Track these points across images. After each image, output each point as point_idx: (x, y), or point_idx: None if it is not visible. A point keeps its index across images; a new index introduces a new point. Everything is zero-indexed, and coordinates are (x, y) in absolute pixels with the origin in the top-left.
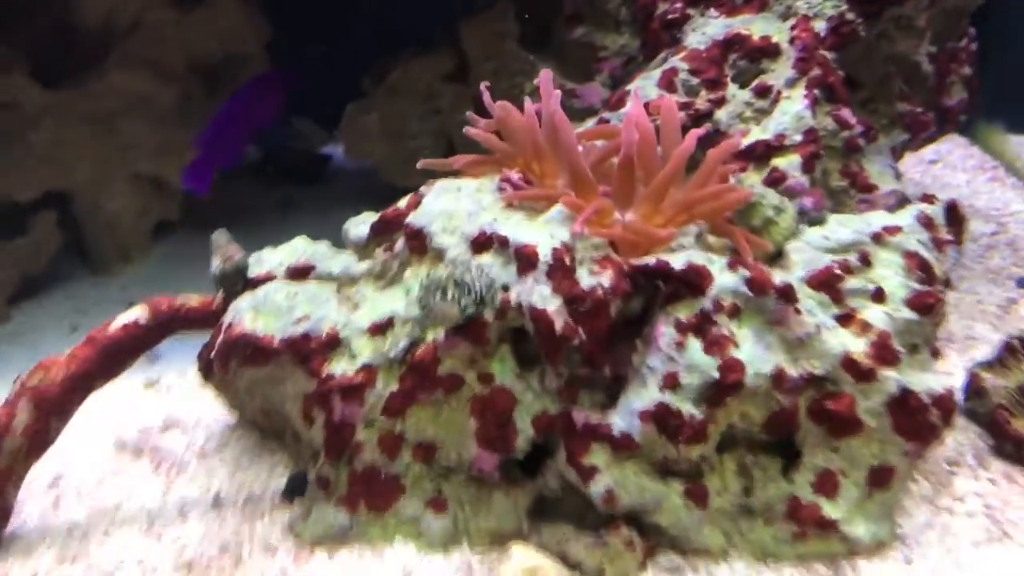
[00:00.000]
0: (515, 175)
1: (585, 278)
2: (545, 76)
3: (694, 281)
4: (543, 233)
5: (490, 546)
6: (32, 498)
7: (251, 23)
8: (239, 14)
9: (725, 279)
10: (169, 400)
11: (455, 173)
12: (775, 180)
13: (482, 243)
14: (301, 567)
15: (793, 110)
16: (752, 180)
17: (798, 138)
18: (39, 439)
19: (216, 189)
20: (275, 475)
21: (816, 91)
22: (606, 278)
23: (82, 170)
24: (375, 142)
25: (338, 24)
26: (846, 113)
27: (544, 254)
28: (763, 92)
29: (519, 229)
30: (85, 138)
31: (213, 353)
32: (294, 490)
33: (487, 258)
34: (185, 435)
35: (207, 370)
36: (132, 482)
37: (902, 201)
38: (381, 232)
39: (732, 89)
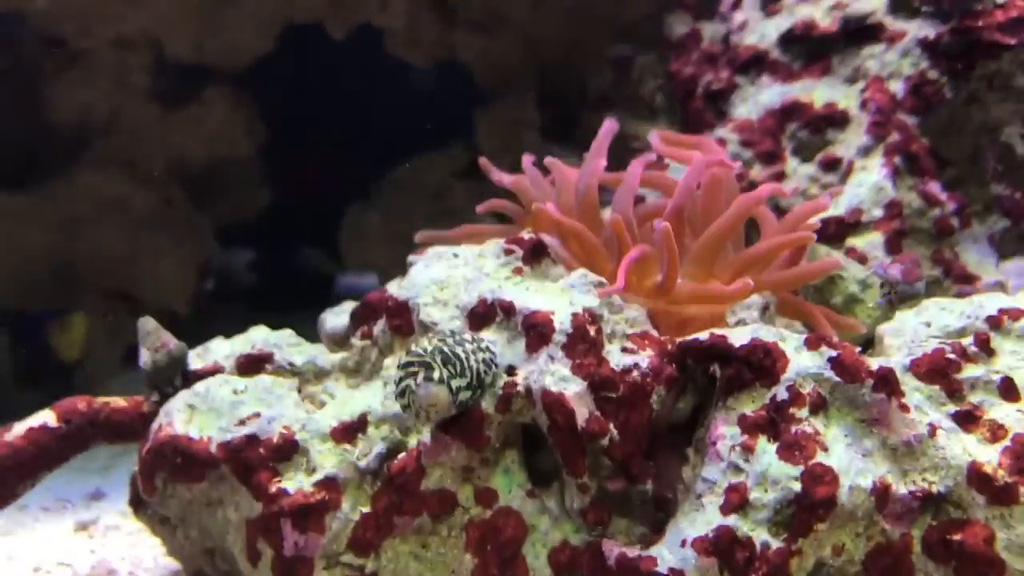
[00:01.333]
0: (528, 234)
1: (616, 355)
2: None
3: (762, 363)
4: (561, 300)
5: None
6: None
7: (242, 122)
8: (230, 112)
9: (803, 360)
10: (104, 543)
11: None
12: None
13: (482, 315)
14: None
15: (870, 181)
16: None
17: (878, 213)
18: None
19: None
20: None
21: (896, 159)
22: (644, 357)
23: (41, 283)
24: (377, 247)
25: (345, 140)
26: (934, 187)
27: (561, 322)
28: (831, 165)
29: (529, 295)
30: (46, 245)
31: (137, 468)
32: None
33: (488, 334)
34: None
35: (136, 501)
36: None
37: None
38: (365, 319)
39: (792, 163)
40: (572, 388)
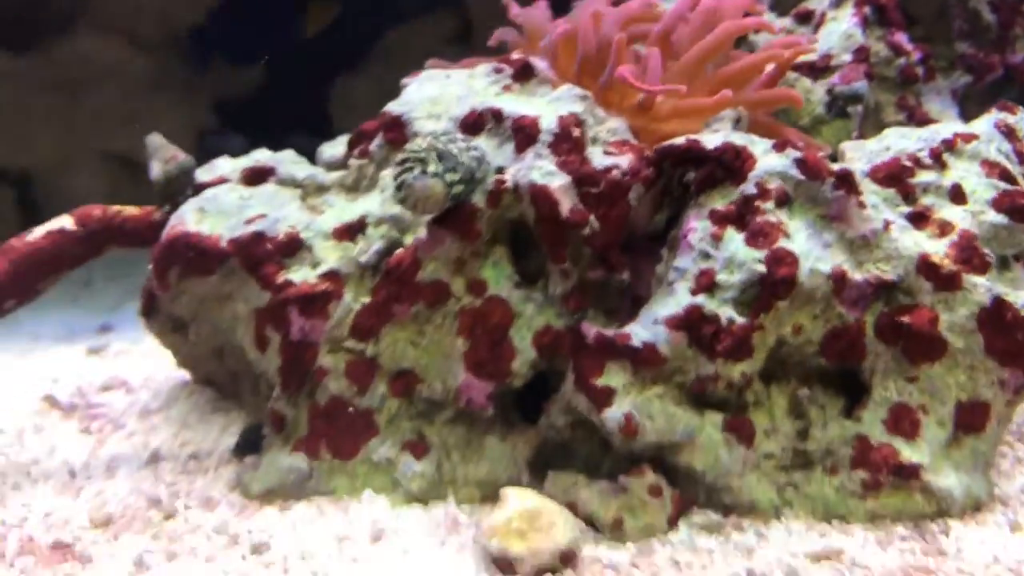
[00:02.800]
0: (516, 55)
1: (598, 157)
2: None
3: (733, 163)
4: (548, 107)
5: (481, 501)
6: None
7: None
8: None
9: (771, 160)
10: (115, 364)
11: None
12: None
13: (473, 123)
14: (245, 521)
15: (840, 29)
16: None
17: (847, 57)
18: None
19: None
20: (227, 435)
21: (866, 9)
22: (624, 159)
23: (44, 145)
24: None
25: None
26: (901, 38)
27: (548, 124)
28: (804, 17)
29: (518, 103)
30: (48, 108)
31: (151, 266)
32: (247, 446)
33: (479, 140)
34: (129, 395)
35: (148, 307)
36: (56, 439)
37: None
38: (358, 143)
39: (768, 17)
40: (557, 181)
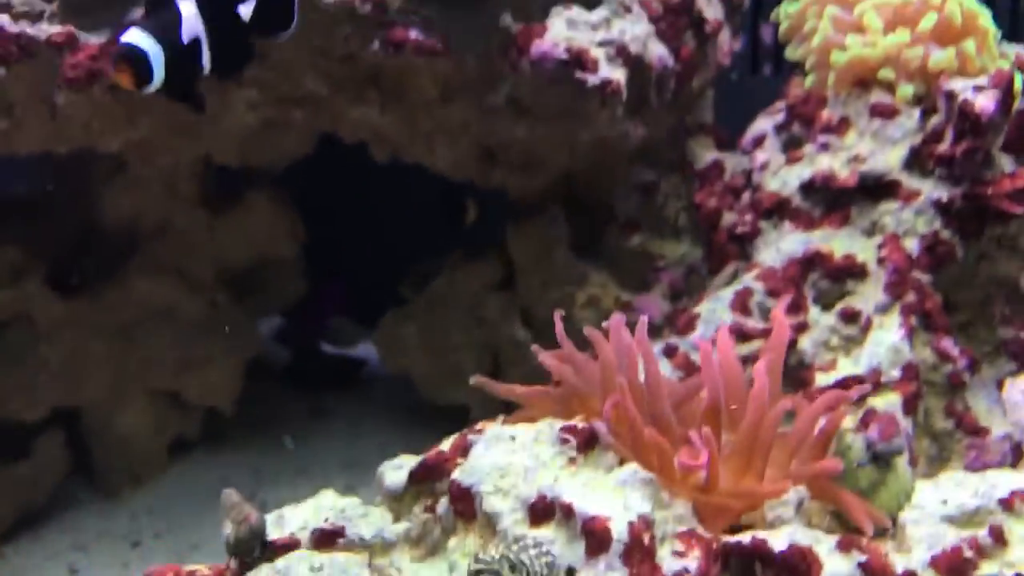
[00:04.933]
0: (580, 423)
1: (668, 560)
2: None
3: (799, 568)
4: (616, 501)
5: None
6: None
7: (284, 223)
8: (272, 214)
9: (836, 565)
10: None
11: (507, 405)
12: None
13: (541, 511)
14: None
15: (888, 341)
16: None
17: (896, 374)
18: None
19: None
20: None
21: (912, 319)
22: (693, 561)
23: (95, 385)
24: (413, 355)
25: (378, 223)
26: (947, 344)
27: (619, 532)
28: (851, 317)
29: (587, 495)
30: (101, 352)
31: None
32: None
33: (547, 532)
34: None
35: None
36: None
37: (1016, 448)
38: (421, 480)
39: (814, 313)
40: None
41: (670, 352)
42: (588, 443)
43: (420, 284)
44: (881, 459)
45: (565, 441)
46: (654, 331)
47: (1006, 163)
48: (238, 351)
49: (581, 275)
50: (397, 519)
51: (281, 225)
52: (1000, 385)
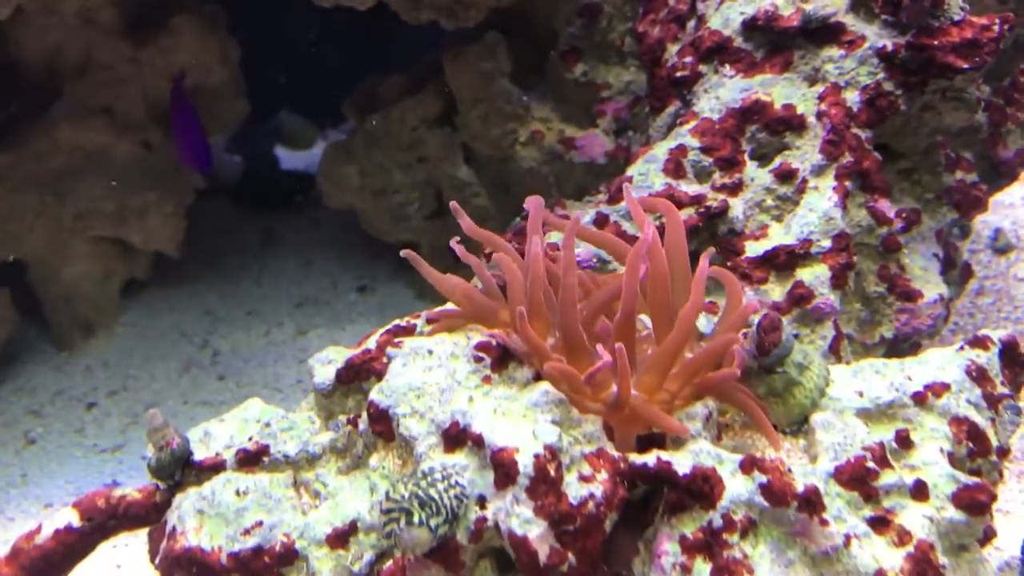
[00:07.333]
0: (495, 340)
1: (574, 487)
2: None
3: (702, 491)
4: (525, 429)
5: None
6: None
7: (215, 47)
8: (200, 39)
9: (737, 488)
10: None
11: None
12: (799, 298)
13: (454, 437)
14: None
15: (821, 208)
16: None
17: (827, 244)
18: None
19: (189, 230)
20: None
21: (848, 183)
22: (599, 486)
23: (36, 237)
24: (356, 195)
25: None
26: (884, 205)
27: (525, 465)
28: (787, 176)
29: (496, 424)
30: (34, 203)
31: (155, 566)
32: None
33: (460, 458)
34: None
35: None
36: None
37: (948, 306)
38: (347, 380)
39: (750, 169)
40: (535, 531)
41: (601, 222)
42: (502, 360)
43: (363, 106)
44: (772, 369)
45: (480, 360)
46: (596, 172)
47: (955, 8)
48: (176, 196)
49: (523, 109)
50: (330, 417)
51: (211, 50)
52: (938, 236)
